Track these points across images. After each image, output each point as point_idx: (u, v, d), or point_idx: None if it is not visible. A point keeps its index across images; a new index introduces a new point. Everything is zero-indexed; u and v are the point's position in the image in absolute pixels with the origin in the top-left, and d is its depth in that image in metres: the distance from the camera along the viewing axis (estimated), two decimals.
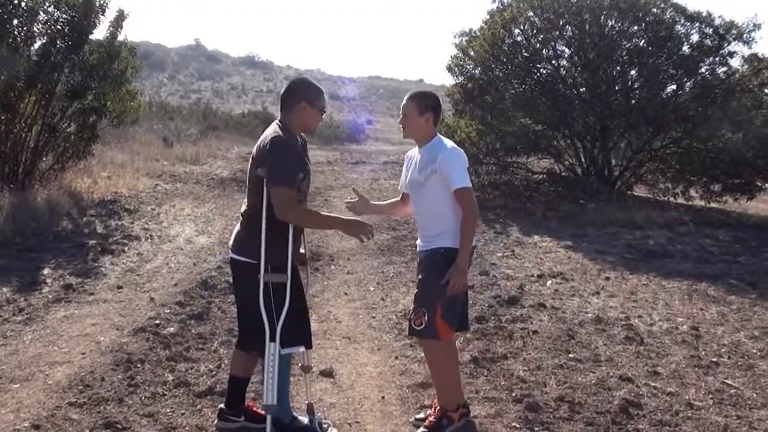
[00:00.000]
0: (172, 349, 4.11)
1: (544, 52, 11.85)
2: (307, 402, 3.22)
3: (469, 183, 3.02)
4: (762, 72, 10.70)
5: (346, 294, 5.68)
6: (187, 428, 3.14)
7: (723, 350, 4.43)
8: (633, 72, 11.63)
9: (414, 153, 3.21)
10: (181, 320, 4.65)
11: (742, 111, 10.49)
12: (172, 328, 4.46)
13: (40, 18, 8.79)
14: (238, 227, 3.04)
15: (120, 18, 9.63)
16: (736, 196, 11.25)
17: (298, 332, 2.95)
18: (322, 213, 3.36)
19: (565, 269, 6.65)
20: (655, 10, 10.97)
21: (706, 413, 3.45)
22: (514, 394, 3.59)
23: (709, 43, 10.81)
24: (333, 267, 6.62)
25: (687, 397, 3.64)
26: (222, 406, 3.16)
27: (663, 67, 11.14)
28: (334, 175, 14.95)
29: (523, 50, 11.74)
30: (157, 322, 4.57)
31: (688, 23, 10.96)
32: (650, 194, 12.43)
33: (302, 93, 2.97)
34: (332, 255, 7.06)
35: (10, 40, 8.37)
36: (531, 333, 4.63)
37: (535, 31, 11.54)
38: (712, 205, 11.52)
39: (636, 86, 11.68)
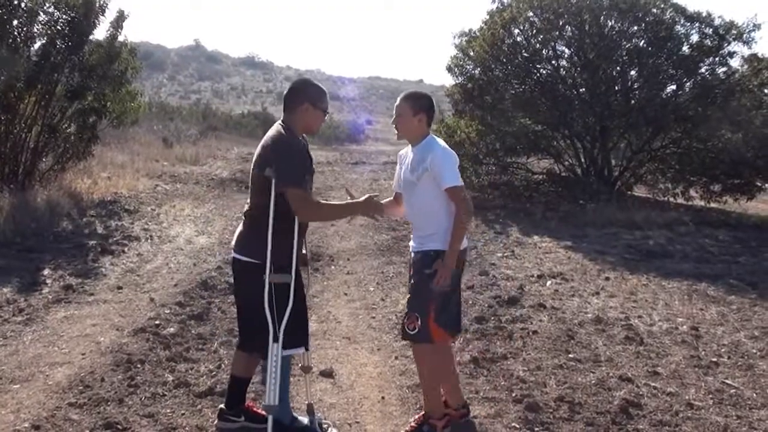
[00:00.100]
0: (172, 349, 4.11)
1: (543, 52, 11.86)
2: (307, 402, 3.22)
3: (461, 182, 2.99)
4: (762, 72, 10.72)
5: (345, 294, 5.68)
6: (187, 428, 3.14)
7: (723, 350, 4.43)
8: (633, 72, 11.65)
9: (407, 152, 3.19)
10: (181, 321, 4.65)
11: (741, 111, 10.50)
12: (172, 329, 4.46)
13: (40, 18, 8.79)
14: (240, 227, 3.04)
15: (120, 18, 9.64)
16: (736, 196, 11.26)
17: (300, 333, 2.95)
18: (336, 202, 3.29)
19: (565, 269, 6.65)
20: (654, 10, 10.99)
21: (706, 413, 3.45)
22: (514, 395, 3.59)
23: (709, 43, 10.83)
24: (333, 267, 6.62)
25: (687, 397, 3.65)
26: (222, 406, 3.16)
27: (663, 67, 11.16)
28: (333, 175, 14.96)
29: (523, 50, 11.75)
30: (157, 322, 4.57)
31: (688, 23, 10.98)
32: (650, 194, 12.44)
33: (305, 94, 2.97)
34: (332, 255, 7.06)
35: (10, 40, 8.37)
36: (531, 333, 4.63)
37: (534, 31, 11.55)
38: (712, 205, 11.53)
39: (636, 86, 11.69)
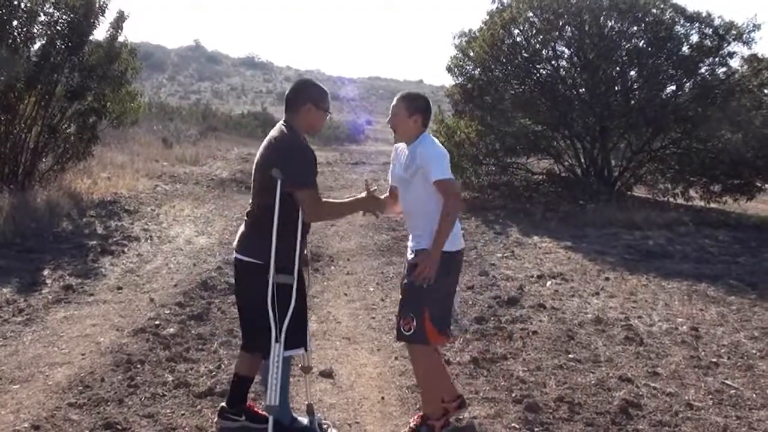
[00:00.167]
0: (172, 349, 4.11)
1: (543, 52, 11.86)
2: (306, 403, 3.22)
3: (451, 176, 2.95)
4: (761, 72, 10.72)
5: (345, 294, 5.68)
6: (186, 429, 3.14)
7: (723, 351, 4.43)
8: (632, 72, 11.66)
9: (402, 146, 3.17)
10: (180, 321, 4.65)
11: (741, 111, 10.51)
12: (171, 329, 4.46)
13: (40, 19, 8.79)
14: (242, 227, 3.03)
15: (120, 19, 9.64)
16: (736, 196, 11.27)
17: (300, 334, 2.95)
18: (340, 201, 3.27)
19: (565, 270, 6.65)
20: (654, 10, 10.99)
21: (705, 414, 3.45)
22: (513, 395, 3.59)
23: (709, 43, 10.83)
24: (333, 267, 6.63)
25: (687, 397, 3.65)
26: (223, 404, 3.16)
27: (662, 67, 11.16)
28: (333, 175, 14.97)
29: (523, 51, 11.75)
30: (156, 322, 4.57)
31: (688, 24, 10.99)
32: (650, 195, 12.44)
33: (308, 94, 2.97)
34: (332, 255, 7.06)
35: (10, 41, 8.37)
36: (531, 333, 4.63)
37: (534, 31, 11.56)
38: (712, 205, 11.53)
39: (635, 87, 11.69)
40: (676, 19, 11.00)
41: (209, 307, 5.05)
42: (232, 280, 5.64)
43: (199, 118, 25.69)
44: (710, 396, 3.68)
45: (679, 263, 7.15)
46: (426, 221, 3.00)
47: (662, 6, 11.05)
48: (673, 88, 11.48)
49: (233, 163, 15.89)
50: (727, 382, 3.88)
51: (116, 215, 8.57)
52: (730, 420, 3.38)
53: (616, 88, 11.82)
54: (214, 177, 13.16)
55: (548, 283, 6.13)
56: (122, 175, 11.34)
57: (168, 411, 3.31)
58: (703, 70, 11.11)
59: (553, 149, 12.21)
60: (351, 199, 3.19)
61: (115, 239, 7.23)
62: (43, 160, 9.42)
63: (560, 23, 11.33)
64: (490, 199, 11.62)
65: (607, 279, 6.35)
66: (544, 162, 12.88)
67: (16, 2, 8.45)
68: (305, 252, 3.15)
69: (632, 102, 11.50)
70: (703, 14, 10.95)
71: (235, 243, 3.03)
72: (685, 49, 11.02)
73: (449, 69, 12.45)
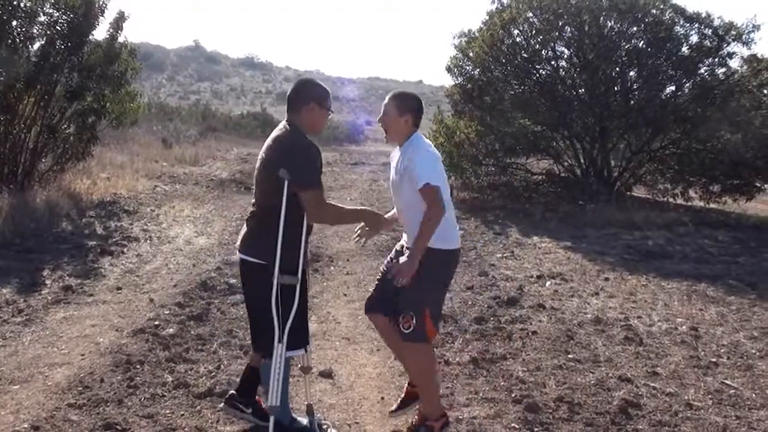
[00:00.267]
0: (172, 350, 4.11)
1: (543, 53, 11.87)
2: (306, 403, 3.22)
3: (437, 181, 2.87)
4: (761, 73, 10.73)
5: (345, 295, 5.68)
6: (186, 429, 3.14)
7: (722, 351, 4.44)
8: (632, 73, 11.67)
9: (396, 154, 3.17)
10: (180, 321, 4.65)
11: (741, 112, 10.52)
12: (171, 330, 4.46)
13: (40, 19, 8.79)
14: (245, 228, 3.03)
15: (120, 19, 9.63)
16: (735, 196, 11.27)
17: (301, 334, 2.96)
18: (342, 207, 3.23)
19: (565, 270, 6.66)
20: (654, 11, 11.00)
21: (705, 413, 3.45)
22: (513, 395, 3.59)
23: (708, 44, 10.84)
24: (332, 268, 6.62)
25: (686, 397, 3.65)
26: (233, 391, 3.17)
27: (662, 68, 11.17)
28: (333, 176, 14.96)
29: (523, 51, 11.76)
30: (156, 323, 4.57)
31: (687, 24, 11.00)
32: (649, 195, 12.45)
33: (310, 94, 2.97)
34: (331, 256, 7.06)
35: (10, 41, 8.37)
36: (530, 334, 4.63)
37: (534, 32, 11.56)
38: (712, 205, 11.54)
39: (635, 87, 11.70)
40: (676, 20, 11.01)
41: (209, 308, 5.05)
42: (232, 281, 5.69)
43: (198, 118, 25.66)
44: (710, 396, 3.68)
45: (678, 263, 7.15)
46: (417, 223, 3.00)
47: (662, 6, 11.06)
48: (673, 88, 11.50)
49: (233, 164, 15.88)
50: (726, 382, 3.88)
51: (116, 216, 8.56)
52: (729, 420, 3.38)
53: (616, 88, 11.83)
54: (214, 177, 13.15)
55: (548, 283, 6.13)
56: (122, 176, 11.34)
57: (167, 411, 3.31)
58: (702, 71, 11.12)
59: (553, 149, 12.22)
60: (355, 208, 3.26)
61: (114, 240, 7.22)
62: (43, 160, 9.42)
63: (560, 23, 11.34)
64: (489, 199, 11.62)
65: (606, 279, 6.35)
66: (543, 162, 12.89)
67: (16, 2, 8.44)
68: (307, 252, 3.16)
69: (632, 102, 11.51)
70: (703, 15, 10.98)
71: (238, 243, 3.03)
72: (684, 49, 11.04)
73: (449, 69, 12.46)
